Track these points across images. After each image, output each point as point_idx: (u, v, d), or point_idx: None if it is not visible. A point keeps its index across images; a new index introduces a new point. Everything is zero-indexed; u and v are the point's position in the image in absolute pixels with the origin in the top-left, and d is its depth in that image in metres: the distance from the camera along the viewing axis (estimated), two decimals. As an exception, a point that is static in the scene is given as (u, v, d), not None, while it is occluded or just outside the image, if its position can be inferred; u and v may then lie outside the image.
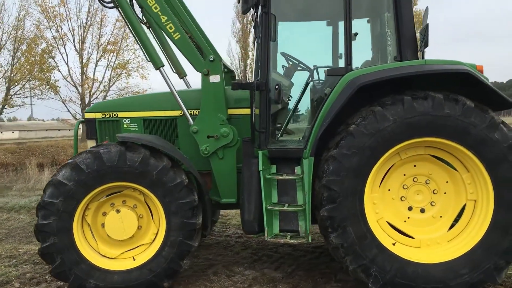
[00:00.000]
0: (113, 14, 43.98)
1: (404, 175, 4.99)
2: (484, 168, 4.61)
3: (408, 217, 4.99)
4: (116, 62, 33.42)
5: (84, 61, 32.74)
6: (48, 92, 31.99)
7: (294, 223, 5.10)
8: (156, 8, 5.48)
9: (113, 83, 33.68)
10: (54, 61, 31.77)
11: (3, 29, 30.88)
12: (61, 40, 31.91)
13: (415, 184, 4.99)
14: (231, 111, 5.70)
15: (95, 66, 33.29)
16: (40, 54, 30.57)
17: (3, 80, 30.84)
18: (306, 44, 6.82)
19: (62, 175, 4.90)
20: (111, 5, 5.62)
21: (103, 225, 5.11)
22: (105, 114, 5.97)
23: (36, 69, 30.68)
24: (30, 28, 31.22)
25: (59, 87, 32.00)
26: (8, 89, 30.83)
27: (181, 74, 6.77)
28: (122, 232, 5.08)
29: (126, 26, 5.83)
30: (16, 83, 31.17)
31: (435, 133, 4.61)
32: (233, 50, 40.38)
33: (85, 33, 32.40)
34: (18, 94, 31.88)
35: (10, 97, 31.21)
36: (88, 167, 4.88)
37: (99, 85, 33.64)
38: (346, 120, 4.89)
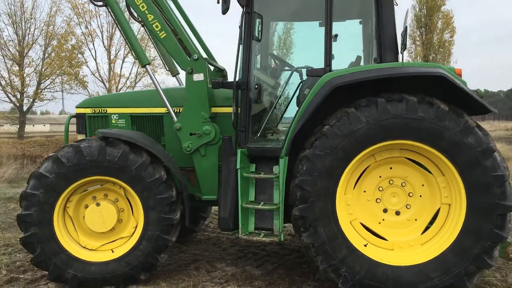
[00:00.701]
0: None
1: (380, 177, 5.00)
2: (457, 172, 4.58)
3: (383, 219, 5.00)
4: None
5: (112, 57, 33.08)
6: (77, 87, 32.59)
7: (269, 221, 5.15)
8: (143, 7, 5.58)
9: (139, 79, 34.05)
10: (83, 56, 32.31)
11: (35, 24, 31.55)
12: (90, 36, 32.25)
13: (391, 186, 4.99)
14: (218, 110, 5.78)
15: (122, 62, 33.60)
16: (70, 49, 31.13)
17: (34, 74, 31.59)
18: (300, 45, 6.87)
19: (44, 168, 5.06)
20: (101, 3, 5.75)
21: (84, 217, 5.25)
22: (94, 110, 6.11)
23: (65, 64, 31.24)
24: (61, 24, 31.99)
25: (87, 82, 32.53)
26: (39, 83, 31.50)
27: (174, 72, 6.89)
28: (102, 224, 5.21)
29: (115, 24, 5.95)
30: (47, 78, 31.85)
31: (409, 136, 4.60)
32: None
33: (113, 30, 32.73)
34: (48, 88, 32.47)
35: (41, 91, 31.87)
36: (69, 161, 5.02)
37: (126, 81, 34.07)
38: (324, 121, 4.92)
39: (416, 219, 4.96)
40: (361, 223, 4.98)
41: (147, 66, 5.69)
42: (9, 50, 30.74)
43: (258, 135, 5.54)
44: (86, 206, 5.27)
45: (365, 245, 4.85)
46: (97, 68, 32.85)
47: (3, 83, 30.67)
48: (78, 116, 6.17)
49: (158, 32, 5.59)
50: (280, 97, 5.70)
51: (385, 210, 5.00)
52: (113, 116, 6.05)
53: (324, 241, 4.72)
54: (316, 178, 4.70)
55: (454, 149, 4.52)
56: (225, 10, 5.18)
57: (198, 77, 5.55)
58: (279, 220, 5.02)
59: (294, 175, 4.89)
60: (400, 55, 5.18)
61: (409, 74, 4.63)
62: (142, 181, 5.07)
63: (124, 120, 6.03)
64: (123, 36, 5.81)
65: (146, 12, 5.59)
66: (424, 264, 4.66)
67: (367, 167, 4.95)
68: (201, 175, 5.66)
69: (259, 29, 5.39)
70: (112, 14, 5.75)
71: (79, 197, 5.26)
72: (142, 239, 5.16)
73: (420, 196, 4.94)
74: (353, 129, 4.63)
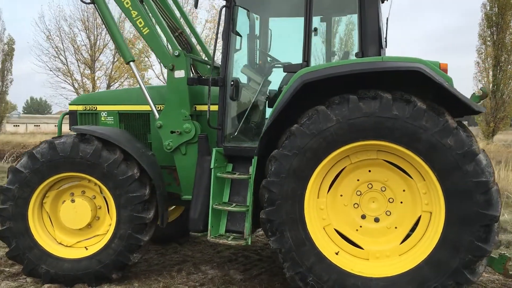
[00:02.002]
0: (203, 15, 43.69)
1: (358, 180, 4.63)
2: (435, 178, 4.15)
3: (361, 226, 4.62)
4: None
5: None
6: (142, 89, 33.85)
7: (240, 224, 4.92)
8: (127, 3, 5.54)
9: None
10: (149, 60, 33.36)
11: (105, 30, 33.07)
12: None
13: (370, 191, 4.61)
14: (203, 107, 5.62)
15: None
16: (138, 53, 32.24)
17: (104, 77, 33.18)
18: (297, 41, 6.57)
19: (20, 163, 5.11)
20: (89, 0, 5.76)
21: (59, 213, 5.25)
22: (85, 107, 6.14)
23: (133, 67, 32.58)
24: (129, 29, 33.06)
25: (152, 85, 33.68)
26: (108, 85, 33.02)
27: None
28: (75, 221, 5.19)
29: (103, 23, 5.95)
30: (116, 80, 33.29)
31: (382, 136, 4.22)
32: (318, 50, 39.87)
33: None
34: (117, 90, 34.16)
35: (110, 93, 33.50)
36: (43, 157, 5.04)
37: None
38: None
39: (396, 227, 4.55)
40: (335, 230, 4.64)
41: (131, 63, 5.64)
42: (82, 54, 32.71)
43: (236, 134, 5.31)
44: (64, 202, 5.27)
45: (337, 253, 4.51)
46: (161, 71, 33.52)
47: (76, 85, 32.71)
48: (71, 113, 6.22)
49: (142, 28, 5.52)
50: (257, 94, 5.44)
51: (363, 216, 4.62)
52: (102, 113, 6.05)
53: (291, 247, 4.43)
54: (283, 179, 4.42)
55: (432, 151, 4.10)
56: (196, 4, 5.02)
57: (179, 73, 5.42)
58: (248, 223, 4.78)
59: (265, 176, 4.64)
60: (384, 49, 4.81)
61: (384, 69, 4.25)
62: (114, 178, 5.00)
63: (112, 117, 6.00)
64: (108, 33, 5.79)
65: (130, 8, 5.54)
66: (397, 277, 4.25)
67: (343, 169, 4.60)
68: (181, 174, 5.52)
69: (248, 24, 5.20)
70: (98, 11, 5.75)
71: (56, 193, 5.27)
72: (114, 237, 5.08)
73: (401, 202, 4.53)
74: (322, 128, 4.31)
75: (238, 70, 5.48)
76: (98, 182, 5.07)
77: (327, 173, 4.60)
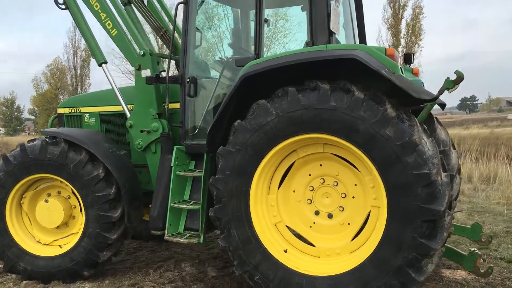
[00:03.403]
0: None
1: (310, 175, 4.47)
2: (376, 171, 3.91)
3: (314, 222, 4.46)
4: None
5: None
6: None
7: (197, 222, 4.89)
8: (96, 6, 5.66)
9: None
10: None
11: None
12: (219, 38, 33.59)
13: (322, 186, 4.44)
14: (175, 106, 5.63)
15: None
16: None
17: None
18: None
19: (-2, 165, 5.39)
20: (63, 6, 5.95)
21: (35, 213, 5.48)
22: (71, 110, 6.34)
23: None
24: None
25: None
26: None
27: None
28: (49, 220, 5.39)
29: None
30: None
31: (320, 129, 4.03)
32: (383, 37, 38.85)
33: None
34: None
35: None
36: (15, 159, 5.28)
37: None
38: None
39: (349, 223, 4.34)
40: (287, 226, 4.50)
41: (103, 64, 5.77)
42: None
43: (196, 131, 5.26)
44: (39, 202, 5.49)
45: (285, 251, 4.37)
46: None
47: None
48: (59, 116, 6.45)
49: (110, 30, 5.64)
50: (215, 91, 5.35)
51: (317, 212, 4.46)
52: (85, 115, 6.23)
53: (238, 245, 4.35)
54: (228, 176, 4.35)
55: (370, 143, 3.86)
56: None
57: (146, 73, 5.47)
58: (201, 220, 4.75)
59: None
60: (335, 37, 4.59)
61: (313, 59, 4.05)
62: (80, 178, 5.14)
63: (94, 118, 6.17)
64: (83, 37, 5.96)
65: (99, 11, 5.66)
66: (341, 276, 4.06)
67: (292, 164, 4.45)
68: (152, 172, 5.56)
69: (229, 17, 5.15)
70: (72, 16, 5.91)
71: (33, 194, 5.50)
72: (84, 236, 5.23)
73: (353, 197, 4.32)
74: (263, 122, 4.19)
75: (197, 67, 5.43)
76: (66, 182, 5.23)
77: (276, 169, 4.48)
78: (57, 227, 5.47)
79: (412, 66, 5.93)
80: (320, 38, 4.51)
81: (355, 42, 5.68)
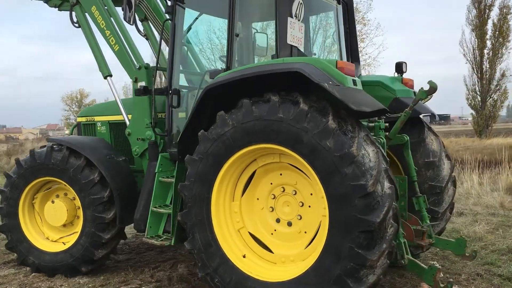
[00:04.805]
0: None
1: (271, 184, 4.63)
2: (319, 181, 4.00)
3: (275, 230, 4.61)
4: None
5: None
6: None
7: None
8: (102, 24, 6.20)
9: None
10: None
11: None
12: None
13: (283, 194, 4.59)
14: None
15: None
16: None
17: None
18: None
19: (12, 169, 6.04)
20: (77, 25, 6.54)
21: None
22: (87, 119, 6.92)
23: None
24: None
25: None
26: None
27: None
28: (55, 219, 5.95)
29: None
30: None
31: (270, 139, 4.19)
32: (467, 39, 37.15)
33: (315, 37, 32.92)
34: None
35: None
36: (25, 163, 5.90)
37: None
38: None
39: (305, 232, 4.45)
40: (249, 233, 4.68)
41: (108, 77, 6.28)
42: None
43: (178, 140, 5.56)
44: (47, 203, 6.08)
45: (244, 256, 4.55)
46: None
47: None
48: (78, 124, 7.07)
49: (113, 45, 6.13)
50: (195, 102, 5.60)
51: (278, 220, 4.61)
52: (98, 124, 6.77)
53: (200, 248, 4.60)
54: (192, 183, 4.62)
55: (313, 154, 3.97)
56: (129, 19, 5.40)
57: (142, 85, 5.88)
58: (171, 224, 5.05)
59: None
60: (299, 50, 4.72)
61: (260, 73, 4.22)
62: (78, 182, 5.65)
63: (104, 127, 6.69)
64: (91, 51, 6.51)
65: (105, 28, 6.19)
66: (288, 282, 4.17)
67: (254, 173, 4.63)
68: (147, 179, 5.95)
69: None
70: (84, 33, 6.49)
71: (43, 194, 6.10)
72: (82, 234, 5.72)
73: (309, 206, 4.42)
74: (221, 132, 4.43)
75: (181, 79, 5.74)
76: (67, 185, 5.76)
77: (240, 177, 4.68)
78: (64, 225, 6.03)
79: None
80: (283, 51, 4.65)
81: (341, 56, 5.77)
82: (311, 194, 4.39)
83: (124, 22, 6.27)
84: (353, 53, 5.97)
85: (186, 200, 4.68)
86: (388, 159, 4.21)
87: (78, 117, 7.18)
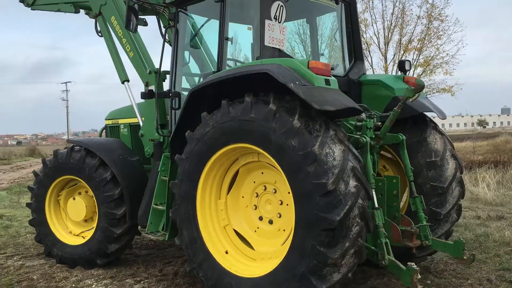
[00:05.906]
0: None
1: (254, 182, 4.75)
2: (286, 179, 4.07)
3: (258, 227, 4.73)
4: (418, 59, 31.89)
5: (388, 62, 31.44)
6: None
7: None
8: (120, 32, 6.62)
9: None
10: None
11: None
12: (365, 44, 32.05)
13: (265, 192, 4.70)
14: None
15: (394, 66, 30.89)
16: None
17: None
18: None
19: (40, 168, 6.60)
20: (100, 34, 7.02)
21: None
22: (113, 121, 7.39)
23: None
24: None
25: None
26: None
27: None
28: (76, 215, 6.43)
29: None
30: None
31: (244, 139, 4.34)
32: None
33: (390, 35, 32.13)
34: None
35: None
36: (50, 163, 6.43)
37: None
38: None
39: (284, 230, 4.52)
40: (234, 230, 4.82)
41: (125, 82, 6.68)
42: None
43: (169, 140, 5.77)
44: (69, 200, 6.57)
45: (226, 252, 4.70)
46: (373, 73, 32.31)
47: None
48: (105, 126, 7.55)
49: (129, 52, 6.54)
50: None
51: (260, 218, 4.73)
52: (121, 126, 7.21)
53: (187, 243, 4.81)
54: (180, 181, 4.85)
55: (280, 152, 4.06)
56: (134, 28, 5.70)
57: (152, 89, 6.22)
58: (164, 219, 5.30)
59: None
60: (281, 51, 4.79)
61: (231, 75, 4.34)
62: (93, 180, 6.07)
63: (126, 129, 7.10)
64: (111, 57, 6.95)
65: (122, 36, 6.60)
66: (260, 279, 4.27)
67: (237, 171, 4.77)
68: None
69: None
70: (105, 41, 6.94)
71: (67, 192, 6.61)
72: (97, 229, 6.14)
73: (287, 204, 4.49)
74: (203, 133, 4.62)
75: (183, 82, 5.98)
76: (84, 183, 6.21)
77: (225, 176, 4.83)
78: (85, 220, 6.49)
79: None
80: (265, 52, 4.75)
81: (343, 56, 5.77)
82: (289, 192, 4.43)
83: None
84: (356, 52, 5.93)
85: (175, 198, 4.91)
86: (361, 157, 4.19)
87: (105, 120, 7.66)
